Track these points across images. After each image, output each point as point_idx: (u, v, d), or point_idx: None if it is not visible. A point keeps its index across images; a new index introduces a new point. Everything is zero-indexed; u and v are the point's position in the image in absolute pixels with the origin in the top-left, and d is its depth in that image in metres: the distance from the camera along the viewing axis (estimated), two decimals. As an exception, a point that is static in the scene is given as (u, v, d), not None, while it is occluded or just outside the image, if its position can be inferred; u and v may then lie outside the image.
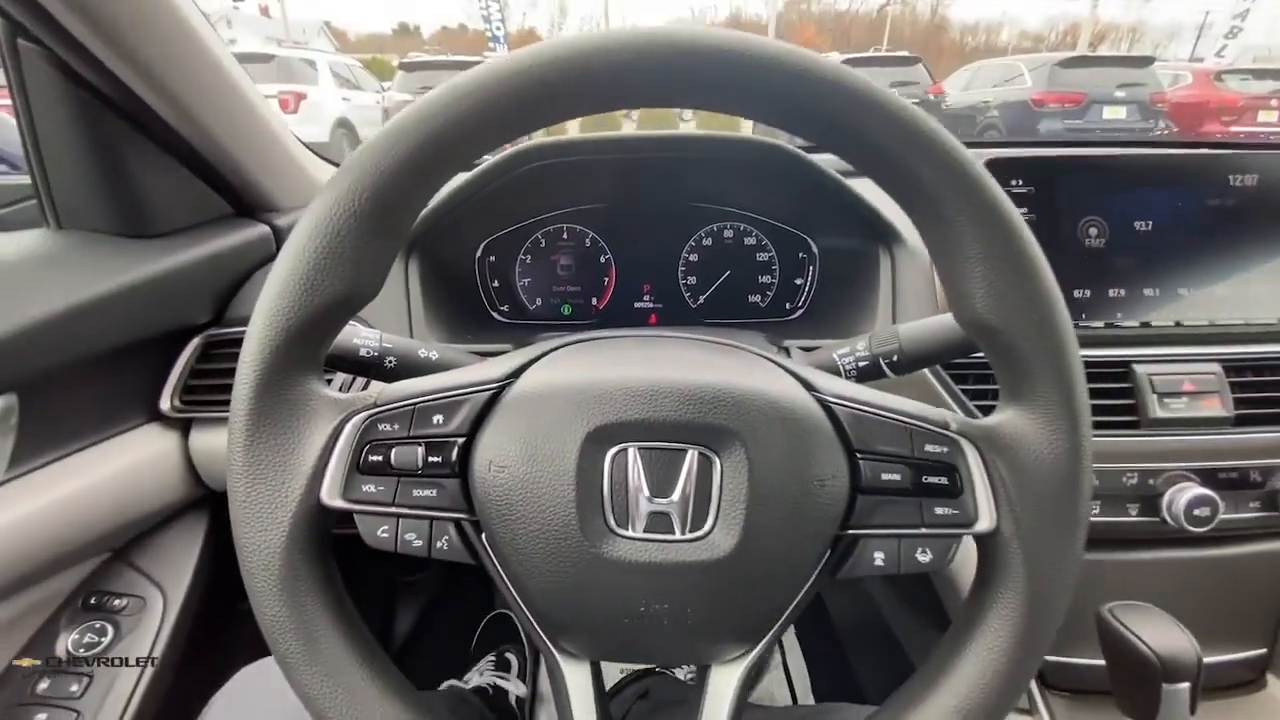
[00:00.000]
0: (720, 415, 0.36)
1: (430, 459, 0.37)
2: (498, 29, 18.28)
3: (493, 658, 1.17)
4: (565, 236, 0.87)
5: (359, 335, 0.52)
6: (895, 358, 0.53)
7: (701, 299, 0.88)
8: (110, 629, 0.64)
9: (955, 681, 0.36)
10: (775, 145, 0.71)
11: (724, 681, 0.39)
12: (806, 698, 1.24)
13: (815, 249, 0.85)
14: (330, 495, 0.36)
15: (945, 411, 0.39)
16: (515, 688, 1.12)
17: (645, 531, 0.35)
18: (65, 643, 0.62)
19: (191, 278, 0.68)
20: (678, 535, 0.35)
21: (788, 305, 0.87)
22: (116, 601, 0.66)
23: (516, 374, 0.40)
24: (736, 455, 0.35)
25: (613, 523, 0.35)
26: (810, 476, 0.36)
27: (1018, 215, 0.36)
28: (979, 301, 0.36)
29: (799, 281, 0.86)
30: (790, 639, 1.35)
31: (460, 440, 0.37)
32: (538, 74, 0.33)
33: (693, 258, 0.87)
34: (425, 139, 0.35)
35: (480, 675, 1.13)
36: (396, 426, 0.37)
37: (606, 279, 0.88)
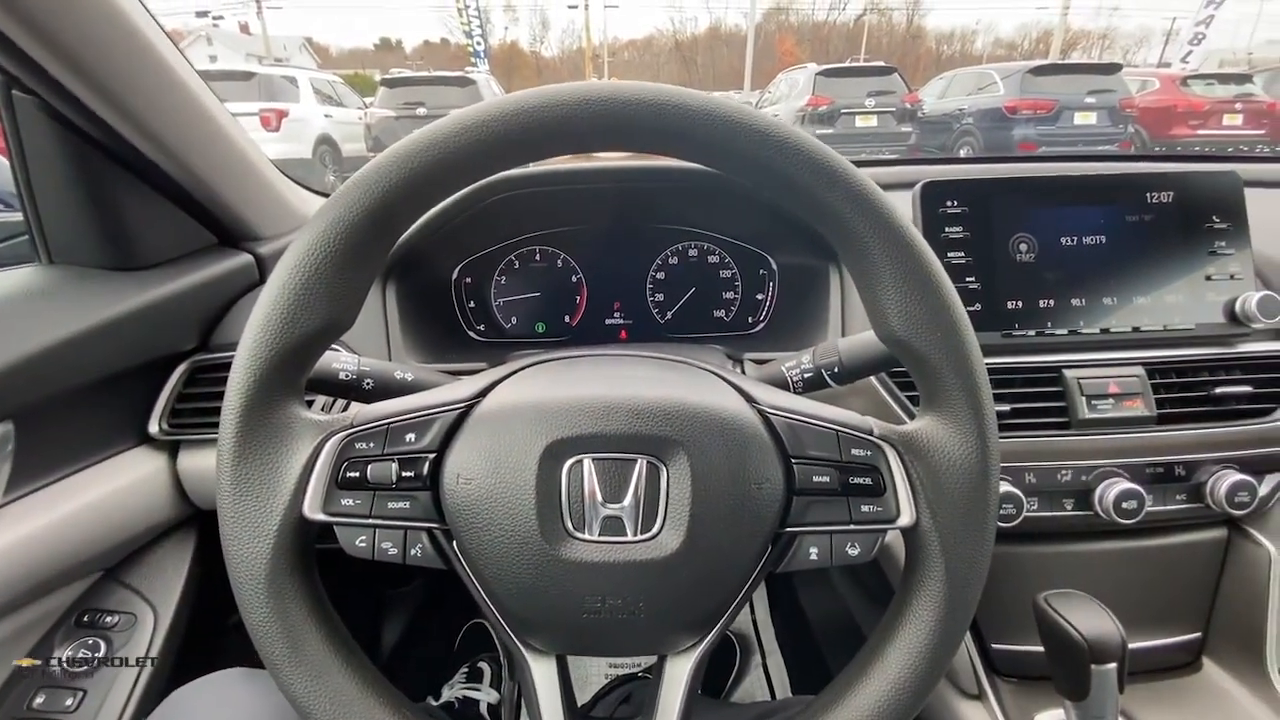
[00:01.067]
0: (665, 427, 0.40)
1: (403, 474, 0.40)
2: (479, 44, 18.37)
3: (465, 669, 1.19)
4: (538, 258, 0.91)
5: (338, 360, 0.55)
6: (836, 369, 0.57)
7: (669, 315, 0.92)
8: (103, 645, 0.66)
9: (889, 660, 0.41)
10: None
11: (677, 671, 0.43)
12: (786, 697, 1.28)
13: (775, 266, 0.89)
14: (312, 509, 0.39)
15: (869, 419, 0.43)
16: (486, 695, 1.14)
17: (600, 534, 0.38)
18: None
19: (178, 307, 0.72)
20: (629, 537, 0.39)
21: (750, 320, 0.91)
22: (109, 618, 0.68)
23: (483, 394, 0.43)
24: (681, 463, 0.39)
25: (570, 527, 0.39)
26: (748, 480, 0.40)
27: (923, 243, 0.40)
28: (892, 320, 0.41)
29: (760, 297, 0.91)
30: (770, 642, 1.39)
31: (431, 456, 0.41)
32: (497, 126, 0.38)
33: (660, 276, 0.91)
34: (394, 186, 0.39)
35: (451, 689, 1.15)
36: (372, 445, 0.41)
37: (579, 298, 0.92)
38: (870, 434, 0.42)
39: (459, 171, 0.40)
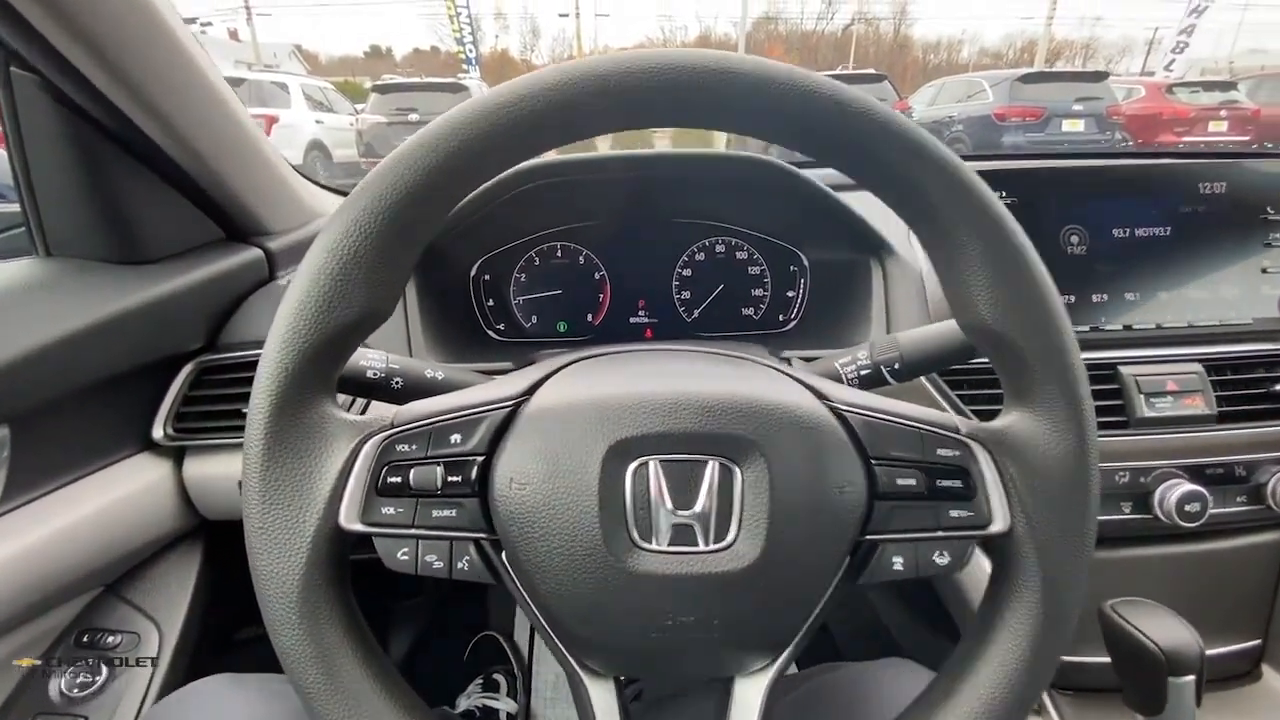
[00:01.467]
0: (739, 426, 0.36)
1: (450, 478, 0.37)
2: (471, 50, 18.35)
3: (480, 680, 1.17)
4: (559, 254, 0.87)
5: (365, 357, 0.52)
6: (897, 365, 0.54)
7: (696, 313, 0.89)
8: (104, 667, 0.62)
9: (977, 682, 0.37)
10: (766, 161, 0.73)
11: (750, 693, 0.39)
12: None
13: (806, 262, 0.86)
14: (349, 519, 0.35)
15: (954, 415, 0.40)
16: (505, 705, 1.12)
17: (669, 544, 0.35)
18: (58, 683, 0.59)
19: (184, 304, 0.67)
20: (701, 547, 0.35)
21: (780, 317, 0.88)
22: (110, 638, 0.64)
23: (531, 391, 0.40)
24: (757, 465, 0.35)
25: (636, 536, 0.35)
26: (829, 484, 0.36)
27: (1015, 223, 0.37)
28: (981, 307, 0.37)
29: (791, 294, 0.88)
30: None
31: (479, 459, 0.37)
32: (559, 94, 0.34)
33: (686, 272, 0.88)
34: (440, 162, 0.35)
35: (468, 699, 1.12)
36: (414, 447, 0.37)
37: (601, 295, 0.88)
38: (958, 432, 0.39)
39: (517, 143, 0.36)
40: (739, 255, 0.88)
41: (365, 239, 0.35)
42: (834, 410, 0.39)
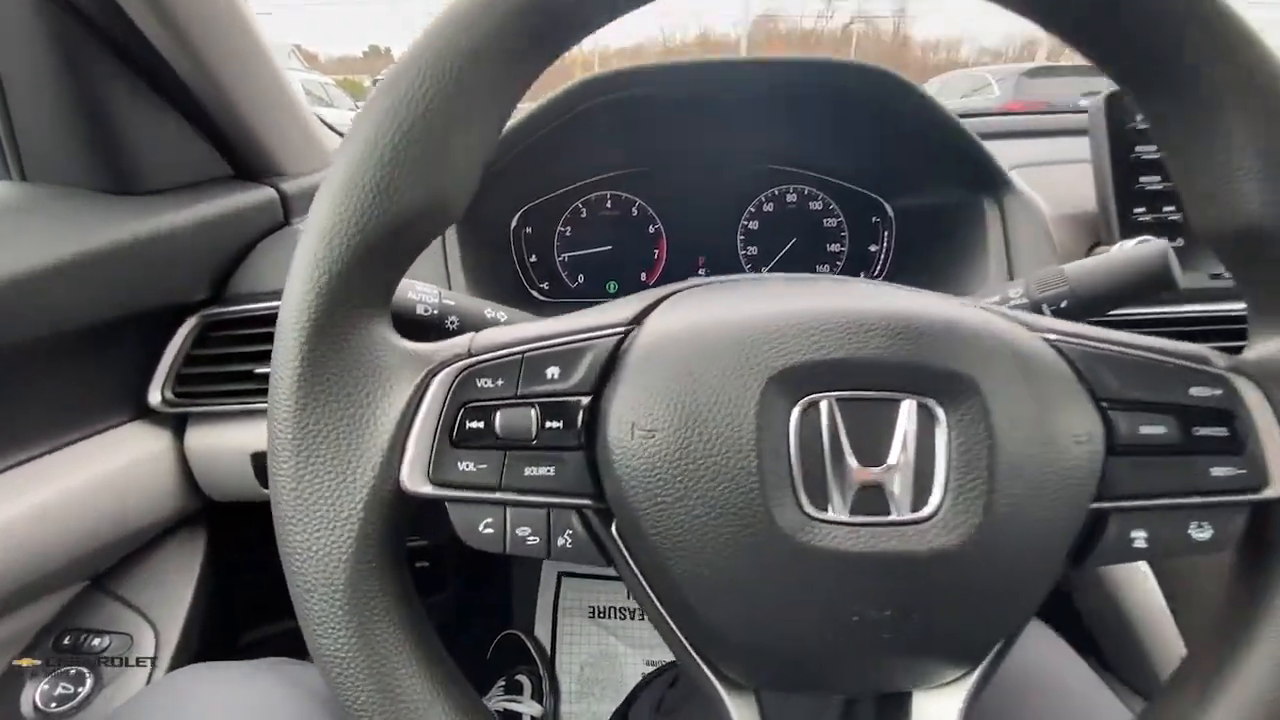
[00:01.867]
0: (945, 354, 0.26)
1: (548, 424, 0.28)
2: (470, 48, 18.47)
3: (503, 683, 1.10)
4: (609, 205, 0.78)
5: (414, 289, 0.43)
6: (1064, 303, 0.44)
7: (764, 271, 0.79)
8: (89, 676, 0.53)
9: (1249, 696, 0.28)
10: (882, 70, 0.62)
11: (939, 713, 0.29)
12: None
13: (890, 212, 0.77)
14: (414, 479, 0.28)
15: (1199, 345, 0.31)
16: (529, 708, 1.05)
17: (852, 512, 0.26)
18: (33, 695, 0.50)
19: (185, 244, 0.57)
20: (895, 516, 0.26)
21: (862, 275, 0.78)
22: (97, 641, 0.55)
23: (641, 317, 0.30)
24: (971, 407, 0.26)
25: (805, 501, 0.26)
26: (1063, 433, 0.27)
27: None
28: (1252, 203, 0.28)
29: (873, 248, 0.78)
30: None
31: (585, 400, 0.28)
32: None
33: (752, 225, 0.79)
34: None
35: (490, 702, 1.04)
36: (501, 382, 0.28)
37: (656, 251, 0.79)
38: (1210, 364, 0.30)
39: None
40: (813, 205, 0.78)
41: (438, 99, 0.26)
42: (1047, 341, 0.29)
